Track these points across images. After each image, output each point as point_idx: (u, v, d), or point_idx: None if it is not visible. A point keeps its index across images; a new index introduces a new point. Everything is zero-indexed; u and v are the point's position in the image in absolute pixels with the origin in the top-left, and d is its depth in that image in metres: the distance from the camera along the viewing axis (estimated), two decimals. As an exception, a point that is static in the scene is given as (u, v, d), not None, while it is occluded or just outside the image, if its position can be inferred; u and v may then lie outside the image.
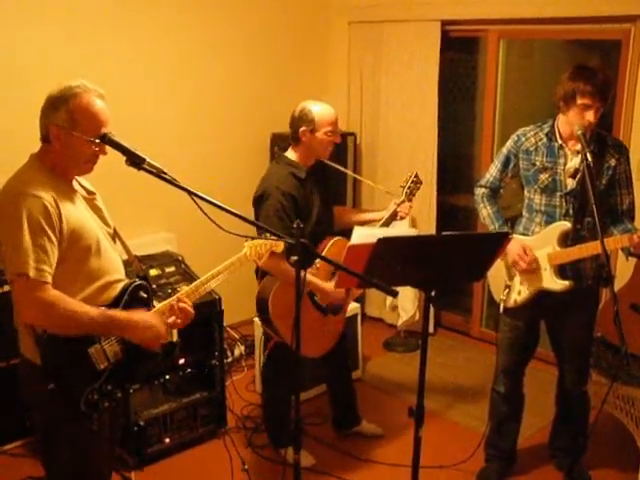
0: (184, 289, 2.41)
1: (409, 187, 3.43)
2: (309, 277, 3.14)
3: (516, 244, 3.07)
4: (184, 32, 4.47)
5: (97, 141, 2.13)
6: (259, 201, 3.19)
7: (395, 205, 3.40)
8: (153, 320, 2.25)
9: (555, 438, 3.53)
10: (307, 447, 3.55)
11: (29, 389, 2.24)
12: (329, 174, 3.51)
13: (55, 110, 2.12)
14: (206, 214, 2.13)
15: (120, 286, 2.28)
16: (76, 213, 2.16)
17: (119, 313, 2.20)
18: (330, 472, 3.48)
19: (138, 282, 2.33)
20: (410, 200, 3.44)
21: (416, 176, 3.45)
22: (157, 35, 4.34)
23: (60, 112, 2.11)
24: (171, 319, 2.30)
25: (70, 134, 2.12)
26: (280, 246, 2.57)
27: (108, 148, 2.14)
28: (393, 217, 3.40)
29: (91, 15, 4.02)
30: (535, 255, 3.06)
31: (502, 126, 4.78)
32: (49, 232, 2.05)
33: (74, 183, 2.26)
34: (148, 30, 4.29)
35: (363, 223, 3.50)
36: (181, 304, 2.33)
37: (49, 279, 2.05)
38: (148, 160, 2.10)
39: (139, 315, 2.23)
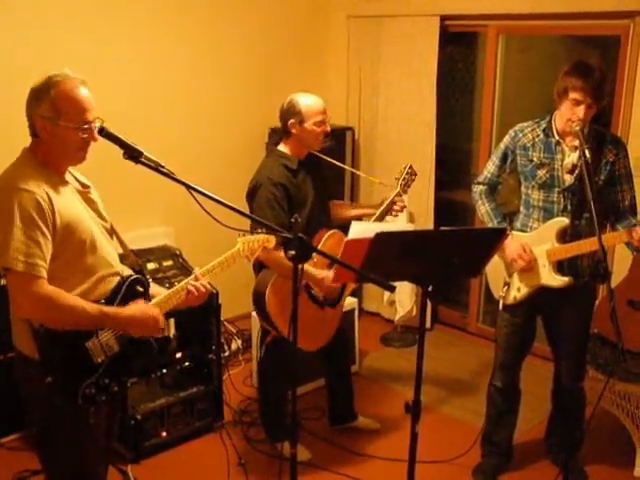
0: (180, 284, 2.40)
1: (404, 179, 3.42)
2: (305, 266, 3.14)
3: (515, 242, 3.07)
4: (182, 26, 4.45)
5: (85, 127, 2.11)
6: (252, 193, 3.20)
7: (391, 198, 3.39)
8: (149, 311, 2.25)
9: (551, 433, 3.54)
10: (304, 441, 3.57)
11: (26, 384, 2.24)
12: (324, 168, 3.51)
13: (38, 102, 2.10)
14: (203, 208, 2.13)
15: (116, 280, 2.28)
16: (70, 207, 2.14)
17: (116, 309, 2.19)
18: (326, 466, 3.49)
19: (135, 276, 2.33)
20: (405, 192, 3.43)
21: (410, 167, 3.44)
22: (155, 29, 4.32)
23: (43, 103, 2.09)
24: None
25: (56, 124, 2.09)
26: (272, 242, 2.57)
27: (106, 142, 2.11)
28: (389, 210, 3.39)
29: (89, 12, 4.00)
30: (534, 254, 3.06)
31: (501, 121, 4.77)
32: (42, 226, 2.04)
33: (68, 176, 2.24)
34: (146, 26, 4.27)
35: (358, 217, 3.50)
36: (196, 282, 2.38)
37: (43, 273, 2.04)
38: (145, 153, 2.10)
39: (135, 308, 2.23)
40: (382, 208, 3.37)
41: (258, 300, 3.23)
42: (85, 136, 2.13)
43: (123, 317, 2.18)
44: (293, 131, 3.23)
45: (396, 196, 3.39)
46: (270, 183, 3.14)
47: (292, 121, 3.21)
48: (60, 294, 2.07)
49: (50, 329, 2.08)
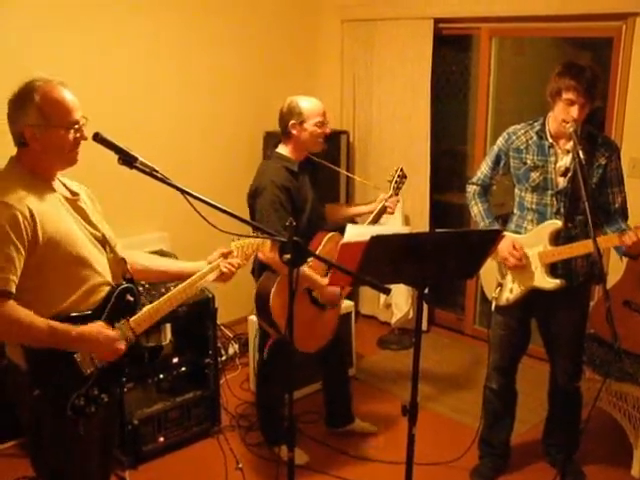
0: (172, 291, 2.37)
1: (396, 181, 3.47)
2: (308, 272, 3.15)
3: (506, 241, 3.07)
4: (176, 31, 4.45)
5: (76, 126, 2.10)
6: (254, 195, 3.21)
7: (384, 200, 3.44)
8: (105, 331, 2.16)
9: (548, 435, 3.53)
10: (301, 445, 3.56)
11: (16, 392, 2.21)
12: (319, 170, 3.53)
13: (23, 110, 2.07)
14: (199, 212, 2.12)
15: (106, 289, 2.23)
16: (55, 217, 2.10)
17: (67, 326, 2.08)
18: (324, 470, 3.49)
19: (125, 285, 2.28)
20: (397, 194, 3.48)
21: (401, 170, 3.50)
22: (148, 32, 4.31)
23: (29, 110, 2.06)
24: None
25: (46, 129, 2.07)
26: (267, 245, 2.56)
27: (100, 148, 2.08)
28: (382, 212, 3.44)
29: (82, 11, 3.98)
30: (524, 251, 3.06)
31: (495, 123, 4.78)
32: (16, 242, 1.98)
33: (57, 184, 2.20)
34: (138, 25, 4.25)
35: (353, 216, 3.52)
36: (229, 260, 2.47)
37: (13, 289, 1.99)
38: (140, 159, 2.09)
39: (90, 327, 2.13)
40: (376, 211, 3.42)
41: (261, 301, 3.23)
42: (77, 135, 2.12)
43: (74, 334, 2.07)
44: (293, 132, 3.24)
45: (388, 198, 3.43)
46: (274, 186, 3.15)
47: (293, 122, 3.23)
48: (13, 308, 1.99)
49: None
